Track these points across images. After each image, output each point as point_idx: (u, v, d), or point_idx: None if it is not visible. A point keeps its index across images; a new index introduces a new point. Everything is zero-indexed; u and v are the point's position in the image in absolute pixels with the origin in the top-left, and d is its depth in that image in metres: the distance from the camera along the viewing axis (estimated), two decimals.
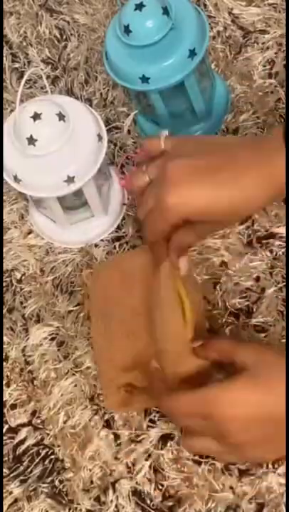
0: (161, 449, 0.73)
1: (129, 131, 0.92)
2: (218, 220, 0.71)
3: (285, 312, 0.76)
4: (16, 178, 0.77)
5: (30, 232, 0.89)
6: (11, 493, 0.74)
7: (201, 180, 0.67)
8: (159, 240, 0.73)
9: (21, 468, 0.76)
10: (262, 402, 0.61)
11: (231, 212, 0.68)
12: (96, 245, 0.86)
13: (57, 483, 0.74)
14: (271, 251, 0.80)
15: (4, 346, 0.82)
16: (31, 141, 0.74)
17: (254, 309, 0.77)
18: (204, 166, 0.67)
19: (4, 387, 0.79)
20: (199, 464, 0.71)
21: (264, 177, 0.65)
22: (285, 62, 0.92)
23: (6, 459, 0.76)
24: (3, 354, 0.81)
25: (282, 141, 0.64)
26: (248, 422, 0.61)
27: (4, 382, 0.80)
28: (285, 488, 0.69)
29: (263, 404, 0.61)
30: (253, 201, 0.67)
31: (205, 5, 0.98)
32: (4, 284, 0.86)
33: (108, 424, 0.75)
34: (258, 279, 0.79)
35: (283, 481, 0.69)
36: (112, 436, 0.75)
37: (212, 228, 0.77)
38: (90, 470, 0.73)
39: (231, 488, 0.70)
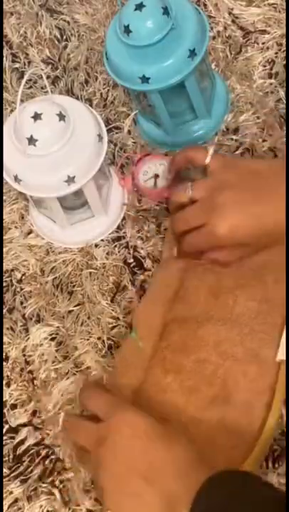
0: None
1: (129, 132, 0.92)
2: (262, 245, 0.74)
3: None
4: (16, 178, 0.77)
5: (30, 232, 0.89)
6: (11, 493, 0.74)
7: (247, 212, 0.71)
8: (196, 253, 0.77)
9: (21, 468, 0.76)
10: None
11: (273, 238, 0.72)
12: (96, 245, 0.86)
13: (57, 483, 0.74)
14: None
15: (4, 346, 0.82)
16: (31, 141, 0.74)
17: None
18: (250, 198, 0.72)
19: (4, 387, 0.79)
20: None
21: None
22: (285, 62, 0.92)
23: (6, 458, 0.76)
24: (4, 354, 0.81)
25: None
26: None
27: (4, 382, 0.80)
28: (285, 488, 0.68)
29: None
30: None
31: (205, 5, 0.98)
32: (4, 284, 0.86)
33: None
34: None
35: (283, 480, 0.69)
36: None
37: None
38: None
39: None
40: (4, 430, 0.78)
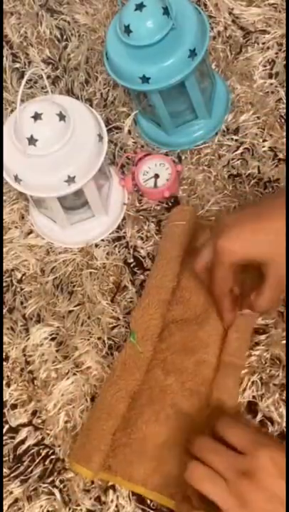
0: None
1: (129, 131, 0.92)
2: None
3: (284, 313, 0.76)
4: (16, 178, 0.77)
5: (30, 232, 0.89)
6: (11, 493, 0.74)
7: (249, 225, 0.68)
8: (224, 293, 0.73)
9: (22, 468, 0.76)
10: None
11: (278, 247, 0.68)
12: (96, 245, 0.86)
13: (57, 483, 0.74)
14: None
15: (5, 346, 0.82)
16: (32, 141, 0.74)
17: None
18: (251, 212, 0.69)
19: (5, 387, 0.79)
20: None
21: None
22: (285, 62, 0.92)
23: (7, 458, 0.76)
24: (4, 354, 0.81)
25: None
26: None
27: (5, 382, 0.80)
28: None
29: None
30: None
31: (205, 5, 0.98)
32: (4, 284, 0.86)
33: None
34: None
35: None
36: None
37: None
38: None
39: None
40: (4, 430, 0.78)
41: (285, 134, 0.87)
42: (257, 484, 0.60)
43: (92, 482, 0.73)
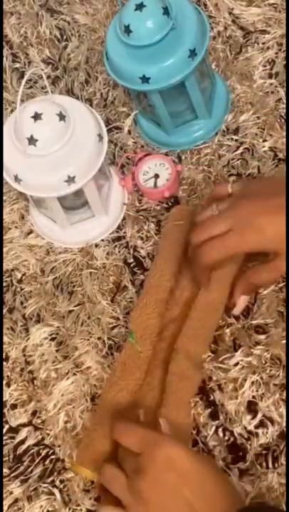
0: None
1: (129, 132, 0.92)
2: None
3: (284, 313, 0.76)
4: (16, 178, 0.77)
5: (30, 232, 0.89)
6: (11, 493, 0.74)
7: (269, 220, 0.69)
8: (208, 267, 0.74)
9: (22, 468, 0.76)
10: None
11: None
12: (96, 245, 0.86)
13: (57, 483, 0.74)
14: None
15: (4, 346, 0.82)
16: (32, 141, 0.74)
17: (254, 310, 0.77)
18: (271, 205, 0.70)
19: (5, 387, 0.79)
20: None
21: None
22: (285, 62, 0.92)
23: (7, 458, 0.76)
24: (4, 354, 0.81)
25: None
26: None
27: (5, 382, 0.80)
28: (285, 488, 0.69)
29: None
30: None
31: (205, 5, 0.98)
32: (4, 284, 0.86)
33: None
34: None
35: (283, 480, 0.69)
36: None
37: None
38: None
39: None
40: (4, 430, 0.78)
41: (285, 134, 0.87)
42: (151, 481, 0.62)
43: (92, 482, 0.73)
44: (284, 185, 0.71)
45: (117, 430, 0.68)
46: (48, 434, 0.76)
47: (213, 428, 0.73)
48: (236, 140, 0.88)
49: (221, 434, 0.72)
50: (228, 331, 0.77)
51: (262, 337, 0.76)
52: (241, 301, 0.76)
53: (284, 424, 0.71)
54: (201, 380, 0.74)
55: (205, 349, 0.75)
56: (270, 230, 0.69)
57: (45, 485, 0.74)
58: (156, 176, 0.87)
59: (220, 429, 0.73)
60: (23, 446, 0.77)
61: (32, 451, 0.76)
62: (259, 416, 0.72)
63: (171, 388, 0.72)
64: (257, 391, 0.73)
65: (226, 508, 0.61)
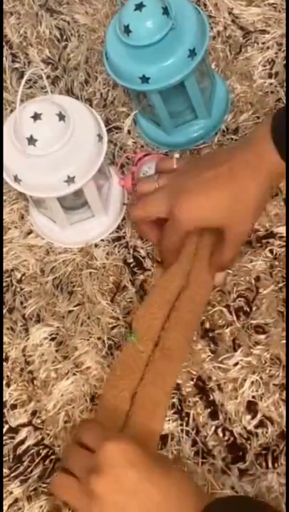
0: (161, 449, 0.73)
1: (129, 131, 0.92)
2: (226, 223, 0.73)
3: (284, 313, 0.76)
4: (16, 179, 0.77)
5: (30, 232, 0.89)
6: (11, 493, 0.74)
7: (206, 192, 0.72)
8: (173, 250, 0.77)
9: (21, 468, 0.75)
10: None
11: (235, 213, 0.72)
12: (96, 245, 0.86)
13: None
14: (271, 251, 0.80)
15: (4, 346, 0.82)
16: (31, 141, 0.74)
17: (254, 310, 0.77)
18: (209, 178, 0.73)
19: (4, 387, 0.79)
20: (199, 464, 0.71)
21: (254, 169, 0.71)
22: (285, 62, 0.92)
23: (6, 458, 0.76)
24: (4, 354, 0.81)
25: (268, 129, 0.70)
26: None
27: (4, 382, 0.80)
28: (285, 488, 0.69)
29: None
30: (250, 197, 0.72)
31: (205, 5, 0.98)
32: (4, 284, 0.86)
33: None
34: (257, 279, 0.79)
35: (283, 480, 0.69)
36: None
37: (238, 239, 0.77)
38: None
39: (232, 487, 0.70)
40: (4, 430, 0.78)
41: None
42: (105, 477, 0.61)
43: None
44: (222, 158, 0.73)
45: (80, 429, 0.69)
46: (48, 434, 0.76)
47: (213, 428, 0.73)
48: (236, 140, 0.88)
49: (220, 434, 0.72)
50: (227, 330, 0.77)
51: (262, 337, 0.76)
52: (217, 278, 0.78)
53: (284, 424, 0.71)
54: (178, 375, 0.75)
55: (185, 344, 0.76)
56: (206, 207, 0.72)
57: (45, 485, 0.74)
58: None
59: (219, 429, 0.73)
60: (23, 447, 0.77)
61: (32, 451, 0.76)
62: (259, 416, 0.72)
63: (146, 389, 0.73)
64: (257, 391, 0.73)
65: (193, 500, 0.61)
